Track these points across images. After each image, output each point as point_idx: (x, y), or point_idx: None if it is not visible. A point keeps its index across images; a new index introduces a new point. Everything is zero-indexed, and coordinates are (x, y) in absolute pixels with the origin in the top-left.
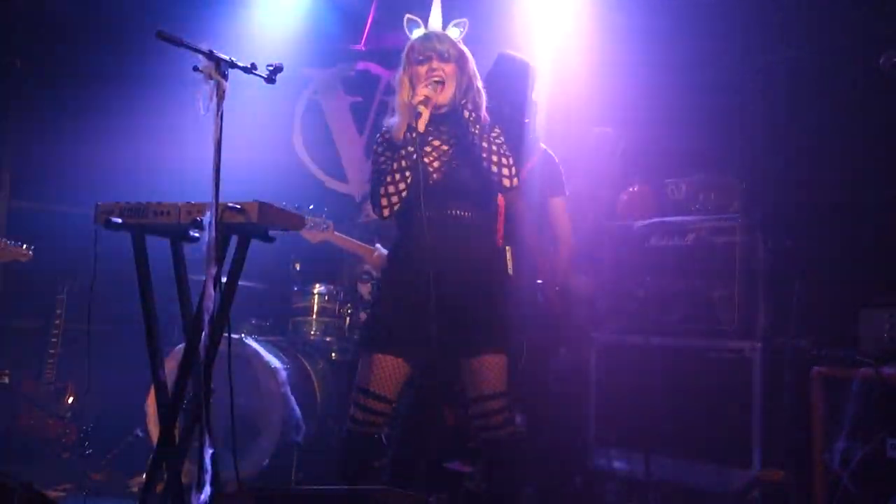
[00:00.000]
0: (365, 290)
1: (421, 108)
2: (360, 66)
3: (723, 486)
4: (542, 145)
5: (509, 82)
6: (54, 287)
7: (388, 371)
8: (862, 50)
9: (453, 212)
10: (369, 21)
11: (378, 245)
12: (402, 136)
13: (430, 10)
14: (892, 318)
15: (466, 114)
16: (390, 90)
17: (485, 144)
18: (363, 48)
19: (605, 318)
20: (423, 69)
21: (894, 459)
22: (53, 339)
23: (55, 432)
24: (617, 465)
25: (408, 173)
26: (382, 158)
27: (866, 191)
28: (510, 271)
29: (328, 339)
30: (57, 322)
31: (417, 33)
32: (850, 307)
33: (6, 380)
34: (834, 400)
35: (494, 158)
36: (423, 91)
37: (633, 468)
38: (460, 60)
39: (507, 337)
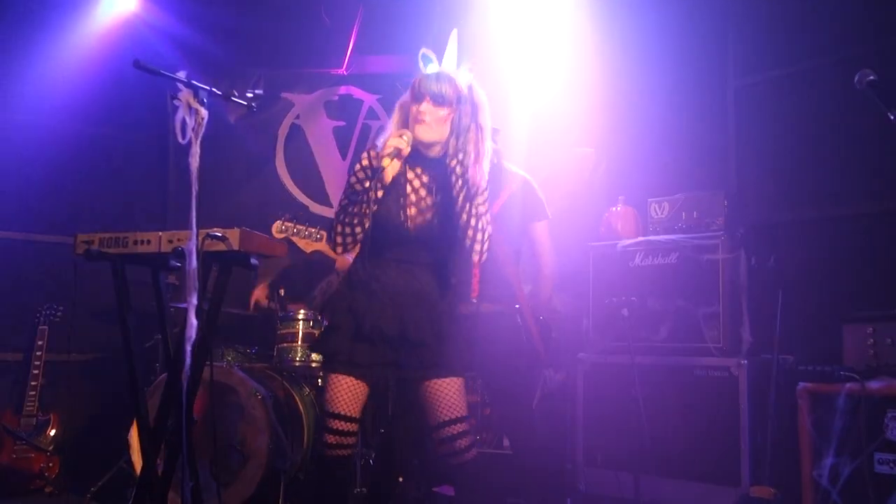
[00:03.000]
0: None
1: (385, 161)
2: (343, 90)
3: None
4: (522, 172)
5: None
6: (35, 318)
7: (349, 390)
8: (837, 69)
9: (420, 257)
10: (351, 45)
11: None
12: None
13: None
14: (875, 333)
15: (459, 169)
16: (372, 114)
17: (464, 217)
18: (345, 72)
19: (590, 338)
20: (414, 108)
21: (883, 474)
22: (35, 371)
23: (38, 466)
24: (606, 486)
25: (367, 219)
26: (358, 186)
27: (847, 206)
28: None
29: (314, 365)
30: (38, 353)
31: (431, 69)
32: (834, 322)
33: None
34: (821, 415)
35: (470, 233)
36: (391, 143)
37: (623, 489)
38: (459, 104)
39: (464, 364)
